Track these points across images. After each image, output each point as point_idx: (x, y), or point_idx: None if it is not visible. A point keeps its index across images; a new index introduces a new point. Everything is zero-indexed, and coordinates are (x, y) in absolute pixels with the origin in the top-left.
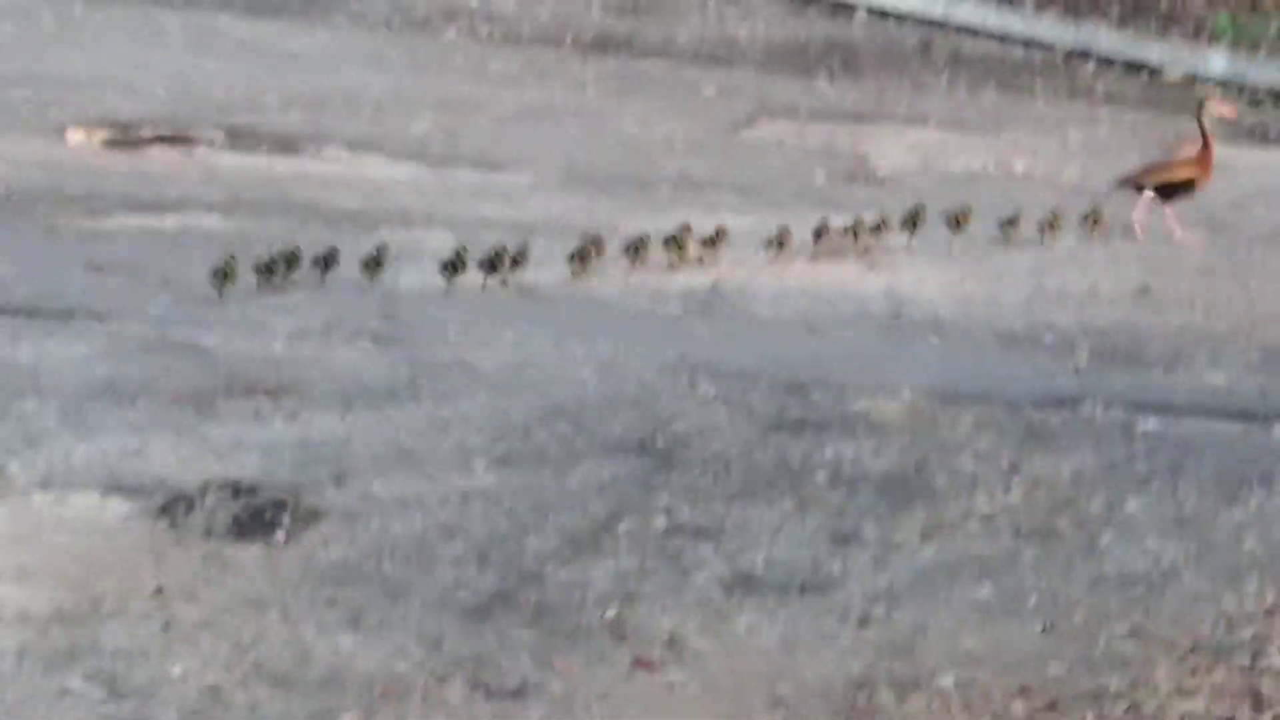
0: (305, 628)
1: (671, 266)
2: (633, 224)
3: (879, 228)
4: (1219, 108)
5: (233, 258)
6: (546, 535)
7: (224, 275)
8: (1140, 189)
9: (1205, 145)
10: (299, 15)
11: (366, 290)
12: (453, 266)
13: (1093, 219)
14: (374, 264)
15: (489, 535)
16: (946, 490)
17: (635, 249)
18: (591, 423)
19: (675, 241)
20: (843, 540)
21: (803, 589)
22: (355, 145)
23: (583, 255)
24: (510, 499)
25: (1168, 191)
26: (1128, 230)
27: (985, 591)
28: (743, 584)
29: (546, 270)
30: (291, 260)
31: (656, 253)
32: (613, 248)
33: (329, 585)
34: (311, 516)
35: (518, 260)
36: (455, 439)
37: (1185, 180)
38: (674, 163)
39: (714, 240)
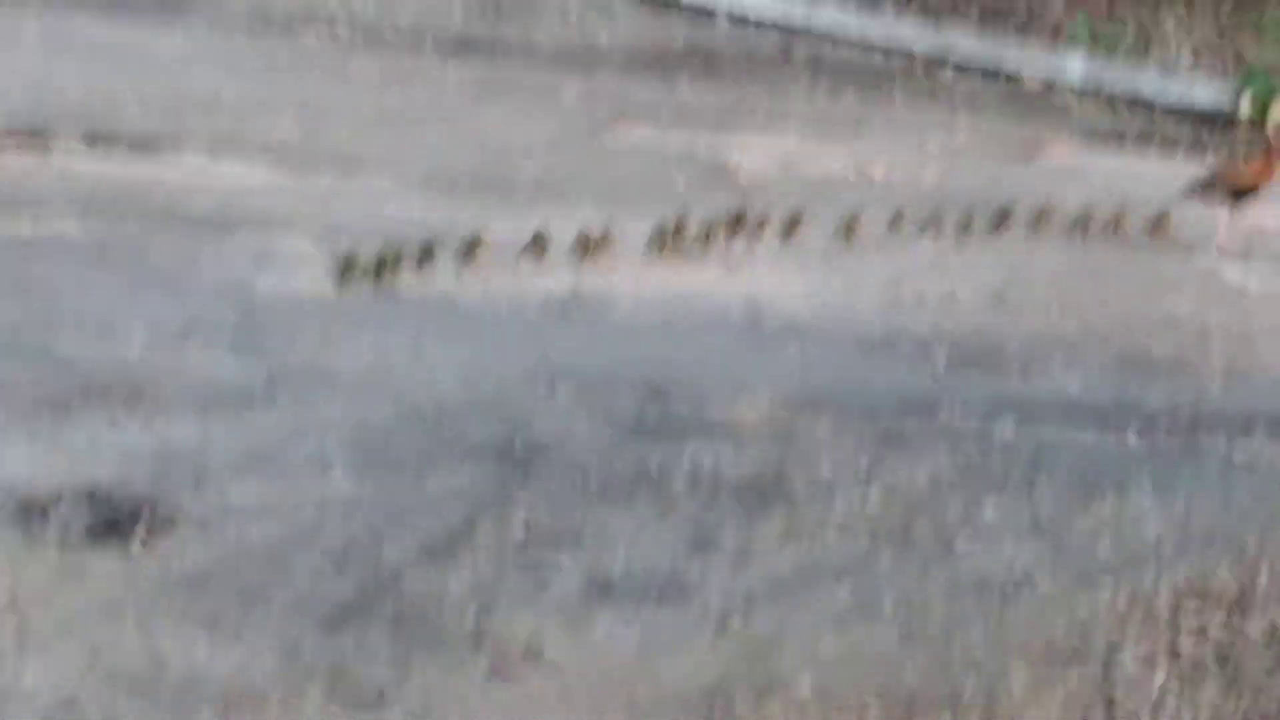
0: (161, 635)
1: (531, 271)
2: (493, 228)
3: (738, 231)
4: None
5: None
6: (404, 542)
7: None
8: (1213, 196)
9: (1269, 150)
10: (157, 17)
11: (224, 294)
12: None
13: (951, 223)
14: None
15: (346, 542)
16: (804, 495)
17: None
18: (450, 428)
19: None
20: (701, 546)
21: (660, 595)
22: (213, 148)
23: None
24: (368, 505)
25: (1238, 196)
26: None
27: (842, 596)
28: (601, 590)
29: (405, 274)
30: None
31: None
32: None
33: (185, 592)
34: (168, 523)
35: (395, 264)
36: (313, 444)
37: (1252, 185)
38: (534, 166)
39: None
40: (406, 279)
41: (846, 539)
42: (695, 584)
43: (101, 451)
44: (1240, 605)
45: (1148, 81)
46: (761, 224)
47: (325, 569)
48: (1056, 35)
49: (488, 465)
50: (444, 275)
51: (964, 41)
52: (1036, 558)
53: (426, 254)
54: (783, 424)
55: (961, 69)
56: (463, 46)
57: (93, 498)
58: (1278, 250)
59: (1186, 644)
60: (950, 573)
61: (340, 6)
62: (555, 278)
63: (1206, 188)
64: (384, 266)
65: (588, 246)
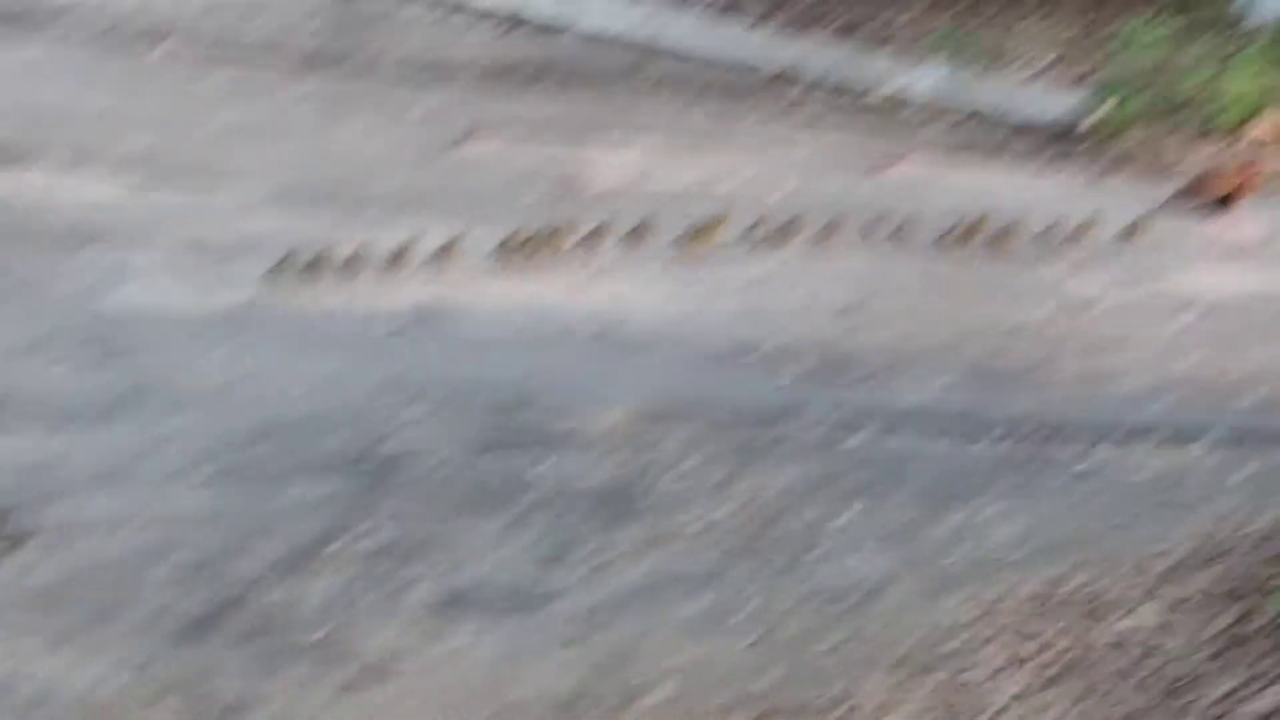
0: (14, 649)
1: (386, 284)
2: (346, 242)
3: (591, 245)
4: (1268, 122)
5: None
6: (258, 555)
7: None
8: (1193, 205)
9: (1248, 162)
10: (7, 31)
11: (79, 308)
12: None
13: (803, 236)
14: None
15: (200, 555)
16: (659, 506)
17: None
18: (304, 441)
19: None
20: (555, 557)
21: (516, 606)
22: (67, 163)
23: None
24: (223, 519)
25: (1216, 205)
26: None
27: (697, 606)
28: (455, 602)
29: (261, 288)
30: None
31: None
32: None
33: (39, 606)
34: (21, 537)
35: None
36: (167, 458)
37: (1231, 195)
38: (387, 181)
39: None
40: (261, 293)
41: (701, 549)
42: (551, 594)
43: None
44: (1090, 613)
45: (1000, 94)
46: (614, 237)
47: (180, 583)
48: (910, 50)
49: (343, 478)
50: (298, 289)
51: (817, 56)
52: (890, 567)
53: (281, 268)
54: (637, 435)
55: (813, 83)
56: (315, 61)
57: None
58: (1129, 261)
59: (1037, 651)
60: (804, 582)
61: (193, 22)
62: (410, 291)
63: (1186, 197)
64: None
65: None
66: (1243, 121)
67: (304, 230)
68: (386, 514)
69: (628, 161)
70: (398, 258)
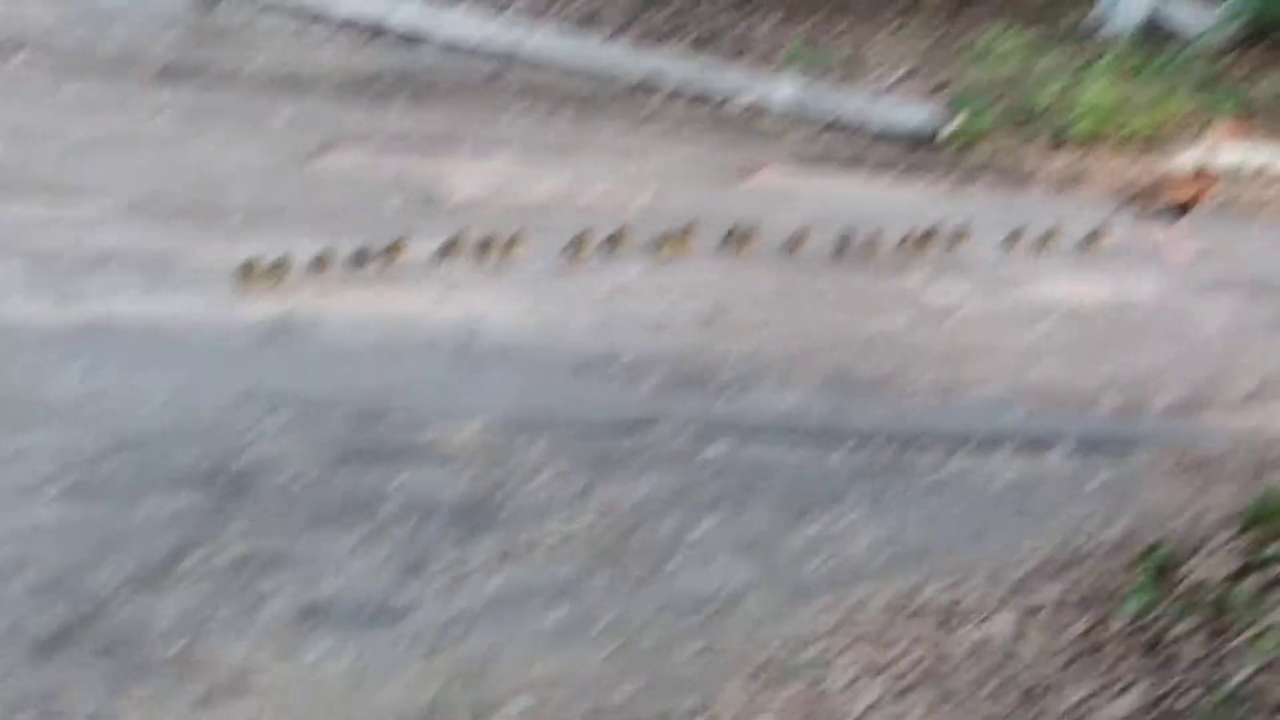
0: None
1: (242, 296)
2: (204, 253)
3: (451, 255)
4: (1221, 132)
5: None
6: (115, 568)
7: None
8: (1146, 209)
9: (1202, 171)
10: None
11: None
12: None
13: (664, 246)
14: None
15: (56, 569)
16: (518, 516)
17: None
18: (161, 454)
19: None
20: (414, 568)
21: (373, 619)
22: None
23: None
24: (78, 532)
25: (1171, 213)
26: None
27: (556, 616)
28: (312, 615)
29: (118, 299)
30: None
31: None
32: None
33: None
34: None
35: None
36: (19, 474)
37: (1186, 203)
38: (245, 192)
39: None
40: (118, 304)
41: (560, 560)
42: (408, 607)
43: None
44: (947, 620)
45: (856, 105)
46: (475, 248)
47: (33, 599)
48: (767, 60)
49: (199, 492)
50: (155, 302)
51: (676, 66)
52: (748, 575)
53: (136, 281)
54: (496, 446)
55: (673, 94)
56: (173, 73)
57: None
58: (987, 270)
59: (895, 658)
60: (663, 592)
61: (48, 34)
62: (267, 303)
63: (1143, 204)
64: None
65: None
66: (1095, 130)
67: (161, 242)
68: (242, 528)
69: (488, 172)
70: (255, 269)
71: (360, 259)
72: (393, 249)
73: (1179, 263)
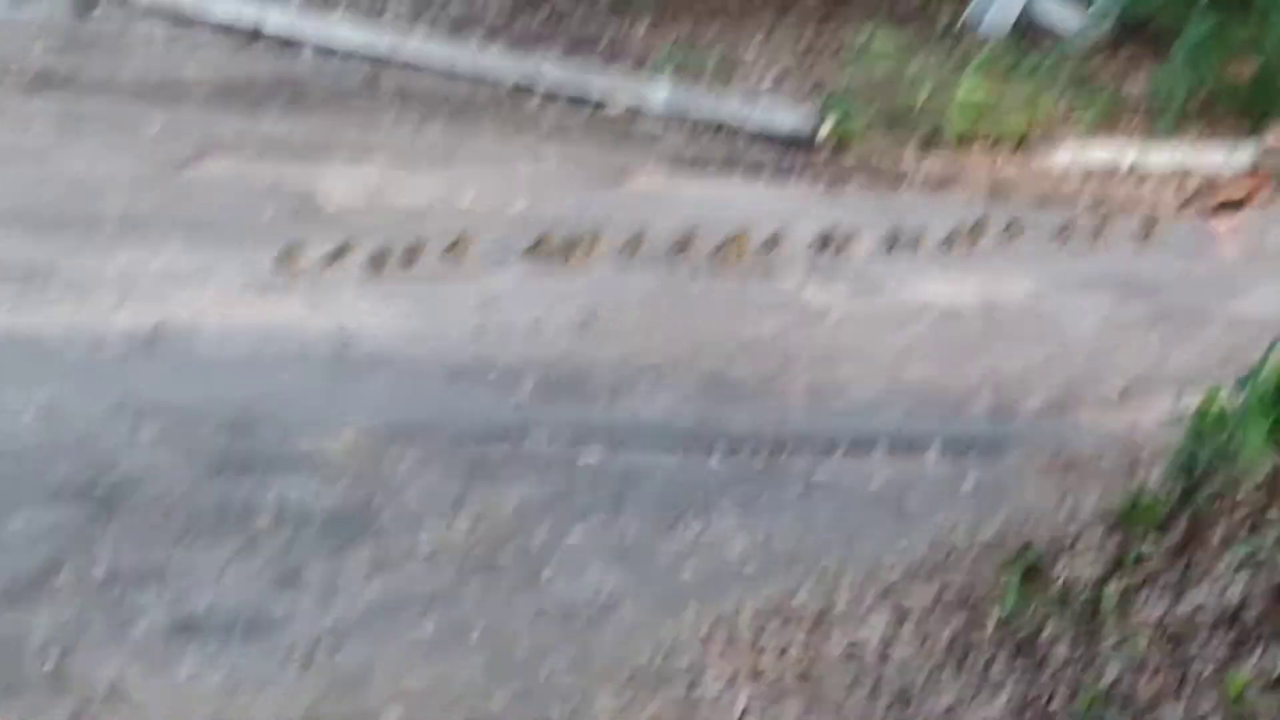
0: None
1: (115, 306)
2: (77, 264)
3: (326, 263)
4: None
5: None
6: None
7: None
8: (1206, 208)
9: (1255, 170)
10: None
11: None
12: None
13: (539, 251)
14: None
15: None
16: (391, 527)
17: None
18: (30, 469)
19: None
20: (287, 580)
21: (246, 631)
22: None
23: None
24: None
25: (1224, 209)
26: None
27: (429, 627)
28: (185, 628)
29: None
30: None
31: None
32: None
33: None
34: None
35: None
36: None
37: (1239, 201)
38: (118, 201)
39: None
40: None
41: (433, 569)
42: (281, 619)
43: None
44: (821, 624)
45: (731, 107)
46: (351, 254)
47: None
48: (642, 63)
49: (70, 505)
50: (26, 314)
51: (550, 70)
52: (622, 582)
53: (9, 291)
54: (369, 455)
55: (548, 98)
56: (45, 81)
57: None
58: (862, 272)
59: (768, 664)
60: (537, 600)
61: None
62: (141, 312)
63: (1197, 201)
64: None
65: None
66: (968, 131)
67: (32, 254)
68: (115, 541)
69: (365, 178)
70: (129, 278)
71: (236, 266)
72: (269, 256)
73: (1229, 255)
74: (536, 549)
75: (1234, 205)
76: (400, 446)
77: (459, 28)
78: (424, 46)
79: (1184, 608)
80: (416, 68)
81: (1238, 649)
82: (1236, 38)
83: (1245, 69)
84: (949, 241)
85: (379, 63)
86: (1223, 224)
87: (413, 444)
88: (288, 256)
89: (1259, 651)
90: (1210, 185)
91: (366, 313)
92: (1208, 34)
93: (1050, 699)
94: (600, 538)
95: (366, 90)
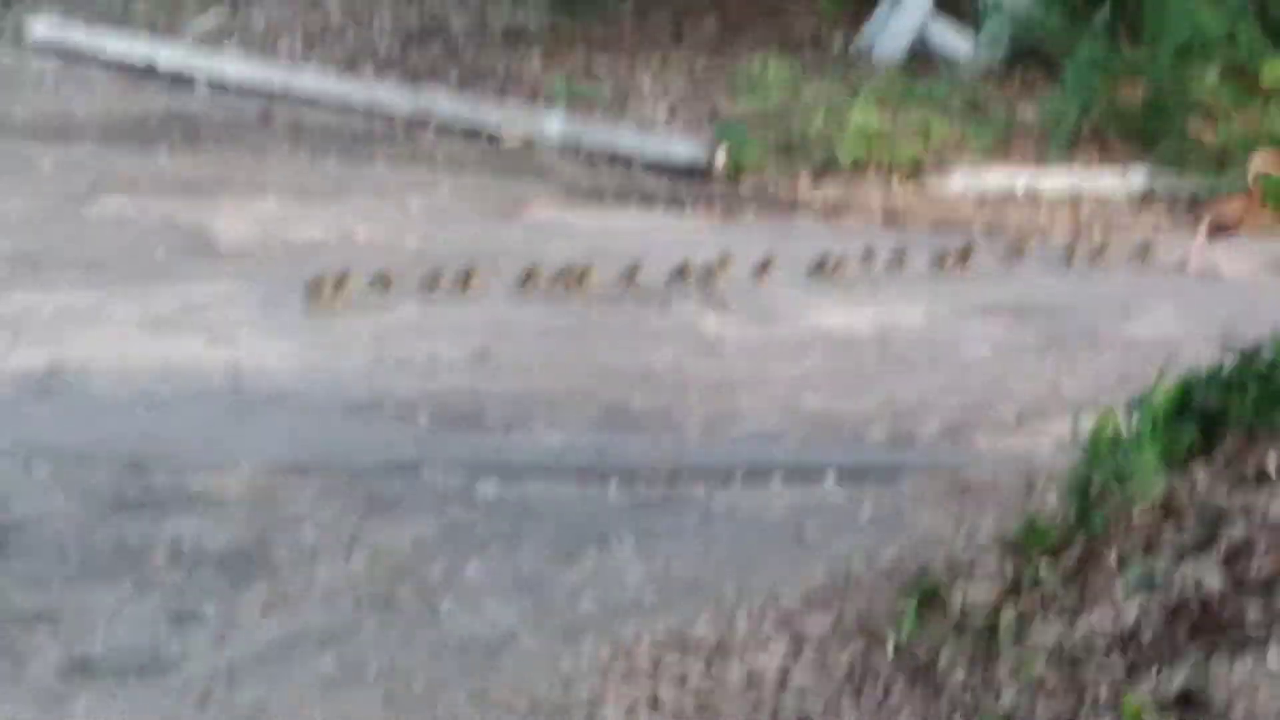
0: None
1: (11, 345)
2: None
3: (224, 298)
4: (1264, 159)
5: None
6: None
7: None
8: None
9: (1249, 193)
10: None
11: None
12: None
13: (435, 283)
14: None
15: None
16: (288, 563)
17: None
18: None
19: (15, 319)
20: (183, 619)
21: (142, 671)
22: None
23: None
24: None
25: (1219, 230)
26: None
27: (327, 663)
28: (81, 669)
29: None
30: None
31: None
32: None
33: None
34: None
35: None
36: None
37: (1235, 220)
38: (11, 241)
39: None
40: None
41: (330, 606)
42: (177, 658)
43: None
44: (719, 653)
45: (626, 138)
46: (247, 290)
47: None
48: (536, 95)
49: None
50: None
51: (444, 103)
52: (520, 615)
53: None
54: (265, 493)
55: (442, 130)
56: None
57: None
58: (759, 301)
59: (667, 693)
60: (434, 635)
61: None
62: (36, 351)
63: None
64: None
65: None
66: (861, 158)
67: None
68: (7, 583)
69: (258, 214)
70: (23, 318)
71: (133, 304)
72: (166, 293)
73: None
74: (434, 583)
75: (1226, 228)
76: (296, 483)
77: (352, 62)
78: (317, 81)
79: (1080, 630)
80: (310, 102)
81: (1134, 670)
82: (1126, 61)
83: (1136, 92)
84: (844, 269)
85: (272, 98)
86: (1204, 247)
87: (309, 480)
88: (182, 293)
89: (1155, 672)
90: (1206, 206)
91: (261, 349)
92: (1097, 58)
93: None
94: (498, 570)
95: (260, 125)
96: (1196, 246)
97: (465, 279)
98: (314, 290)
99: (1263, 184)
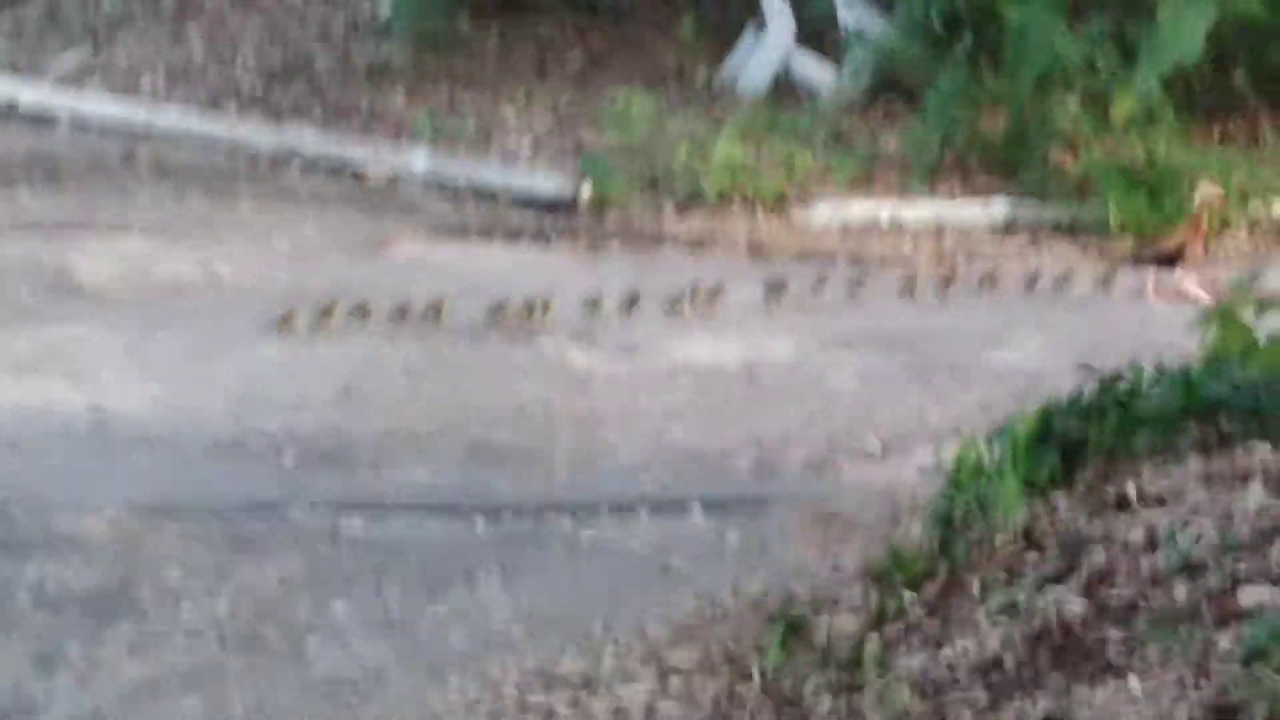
0: None
1: None
2: None
3: (87, 339)
4: (1207, 190)
5: None
6: None
7: None
8: (1142, 262)
9: (1196, 222)
10: None
11: None
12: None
13: (301, 322)
14: None
15: None
16: (153, 604)
17: None
18: None
19: None
20: (47, 661)
21: (5, 715)
22: None
23: None
24: None
25: (1165, 260)
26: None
27: (192, 704)
28: None
29: None
30: None
31: None
32: None
33: None
34: None
35: None
36: None
37: (1176, 250)
38: None
39: None
40: None
41: (196, 646)
42: (41, 701)
43: None
44: (586, 688)
45: (491, 173)
46: (111, 330)
47: None
48: (400, 131)
49: None
50: None
51: (309, 140)
52: (387, 653)
53: None
54: (129, 534)
55: (307, 167)
56: None
57: None
58: (626, 334)
59: None
60: (301, 674)
61: None
62: None
63: (1138, 254)
64: None
65: None
66: (726, 190)
67: None
68: None
69: (121, 253)
70: None
71: None
72: (28, 333)
73: (1162, 303)
74: (300, 622)
75: (1168, 259)
76: (161, 523)
77: (215, 100)
78: (180, 119)
79: (944, 659)
80: (173, 141)
81: (997, 698)
82: (987, 91)
83: (997, 122)
84: (709, 302)
85: (135, 136)
86: (1157, 278)
87: (173, 520)
88: (44, 333)
89: (1018, 700)
90: (1150, 238)
91: (124, 389)
92: (959, 88)
93: None
94: (365, 608)
95: (123, 164)
96: (1152, 277)
97: (330, 316)
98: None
99: (1207, 214)
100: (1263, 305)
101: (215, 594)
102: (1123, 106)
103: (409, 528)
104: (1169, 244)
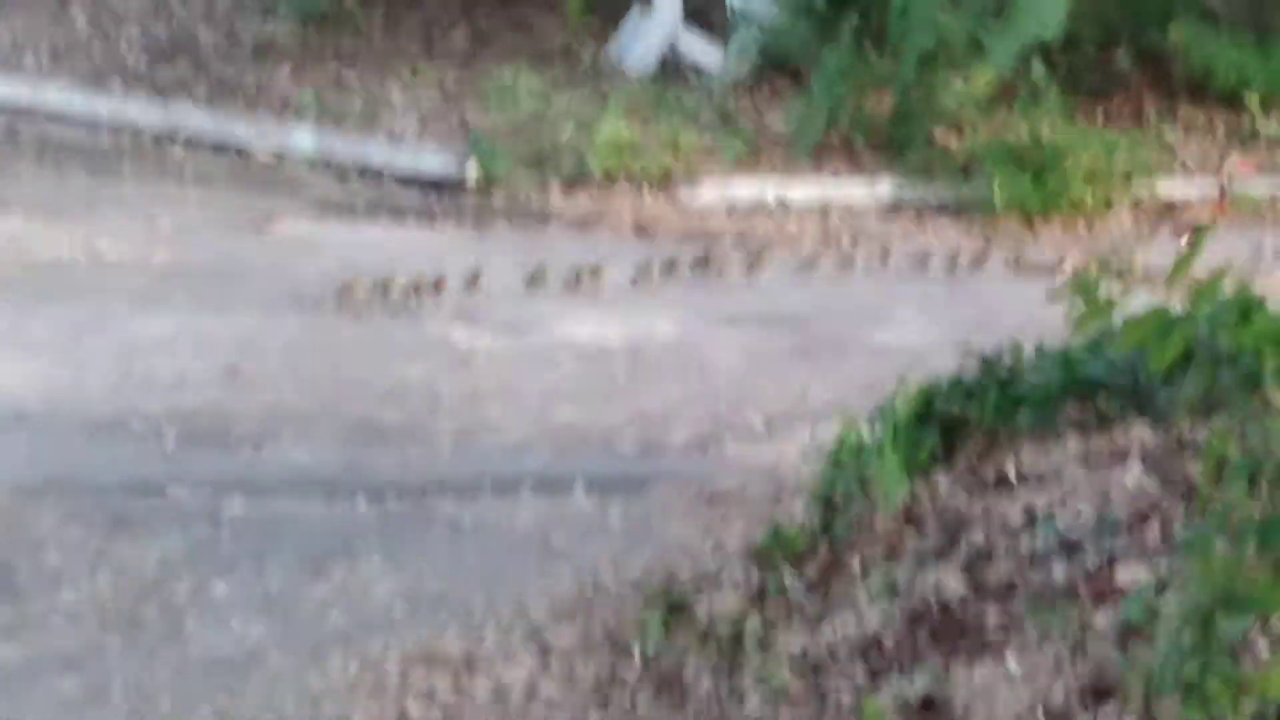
0: None
1: None
2: None
3: None
4: (1236, 165)
5: None
6: None
7: None
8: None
9: (1222, 195)
10: None
11: None
12: None
13: (183, 299)
14: None
15: None
16: (31, 585)
17: None
18: None
19: None
20: None
21: None
22: None
23: None
24: None
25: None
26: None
27: (71, 685)
28: None
29: None
30: None
31: None
32: None
33: None
34: None
35: None
36: None
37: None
38: None
39: None
40: None
41: (74, 626)
42: None
43: None
44: (468, 666)
45: (377, 151)
46: None
47: None
48: (286, 109)
49: None
50: None
51: (193, 117)
52: (267, 633)
53: None
54: (7, 514)
55: (191, 145)
56: None
57: None
58: (511, 312)
59: (415, 707)
60: (180, 654)
61: None
62: None
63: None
64: None
65: None
66: (612, 169)
67: None
68: None
69: (4, 230)
70: None
71: None
72: None
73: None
74: (180, 602)
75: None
76: (39, 503)
77: (99, 76)
78: (64, 96)
79: (824, 637)
80: (56, 118)
81: (876, 676)
82: (872, 71)
83: (883, 101)
84: (595, 280)
85: (18, 113)
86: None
87: (52, 501)
88: None
89: (896, 677)
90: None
91: (6, 368)
92: (844, 67)
93: None
94: (244, 588)
95: (5, 141)
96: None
97: (217, 291)
98: None
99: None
100: (1122, 277)
101: (94, 574)
102: (980, 79)
103: (290, 507)
104: (1199, 215)
